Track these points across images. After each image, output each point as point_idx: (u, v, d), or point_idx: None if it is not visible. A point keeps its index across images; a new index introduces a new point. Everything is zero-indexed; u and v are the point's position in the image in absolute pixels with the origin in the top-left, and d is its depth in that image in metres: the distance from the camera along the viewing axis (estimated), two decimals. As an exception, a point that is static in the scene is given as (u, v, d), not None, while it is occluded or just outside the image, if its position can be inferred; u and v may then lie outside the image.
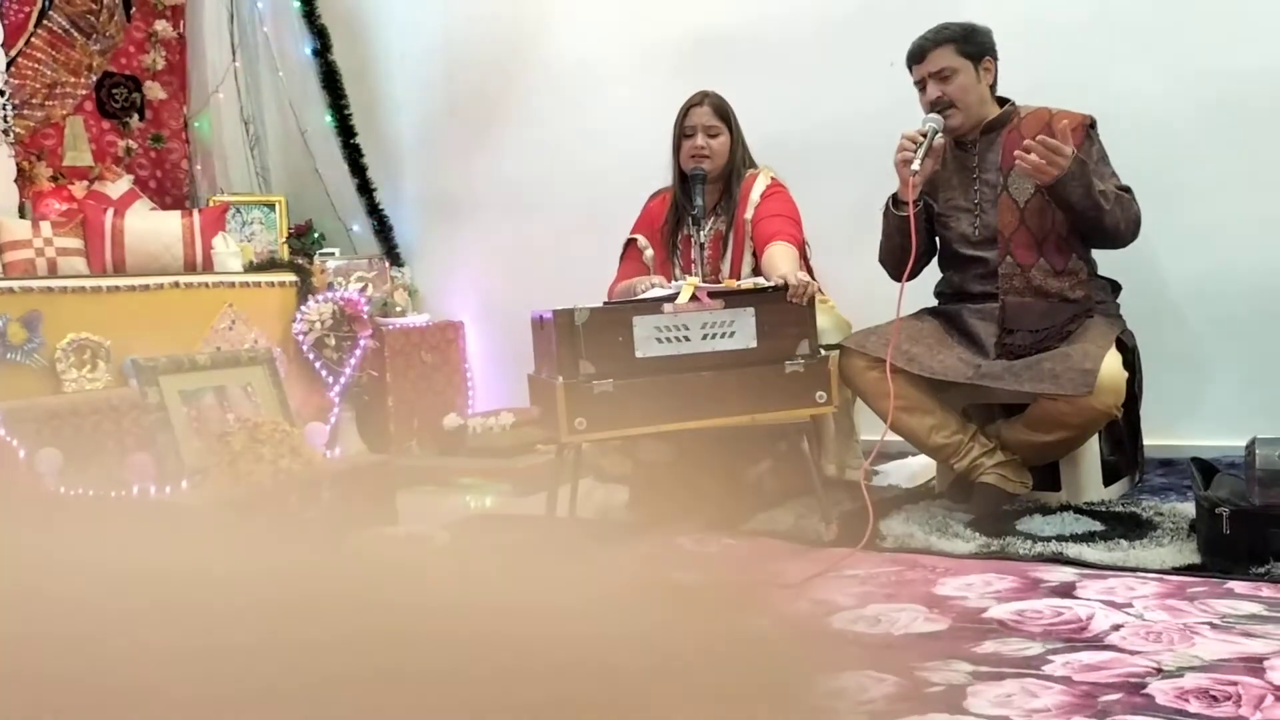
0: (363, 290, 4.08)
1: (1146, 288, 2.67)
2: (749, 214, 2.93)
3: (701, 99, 2.99)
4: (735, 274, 2.91)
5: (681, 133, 3.00)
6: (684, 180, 2.98)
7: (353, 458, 3.29)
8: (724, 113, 2.98)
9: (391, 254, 4.55)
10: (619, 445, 2.85)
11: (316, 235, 4.58)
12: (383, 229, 4.58)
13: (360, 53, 4.62)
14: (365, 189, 4.57)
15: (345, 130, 4.55)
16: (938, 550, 2.32)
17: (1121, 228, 2.58)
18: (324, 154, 4.61)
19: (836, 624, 1.90)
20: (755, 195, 2.95)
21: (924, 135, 2.61)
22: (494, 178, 4.36)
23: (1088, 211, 2.52)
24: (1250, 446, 2.06)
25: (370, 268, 4.31)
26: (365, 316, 3.90)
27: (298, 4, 4.57)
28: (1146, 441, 2.82)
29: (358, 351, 3.88)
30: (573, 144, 4.13)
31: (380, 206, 4.58)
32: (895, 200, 2.72)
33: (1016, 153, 2.51)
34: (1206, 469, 2.34)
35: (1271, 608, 1.82)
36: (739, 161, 3.00)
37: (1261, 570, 1.98)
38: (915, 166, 2.58)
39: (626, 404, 2.42)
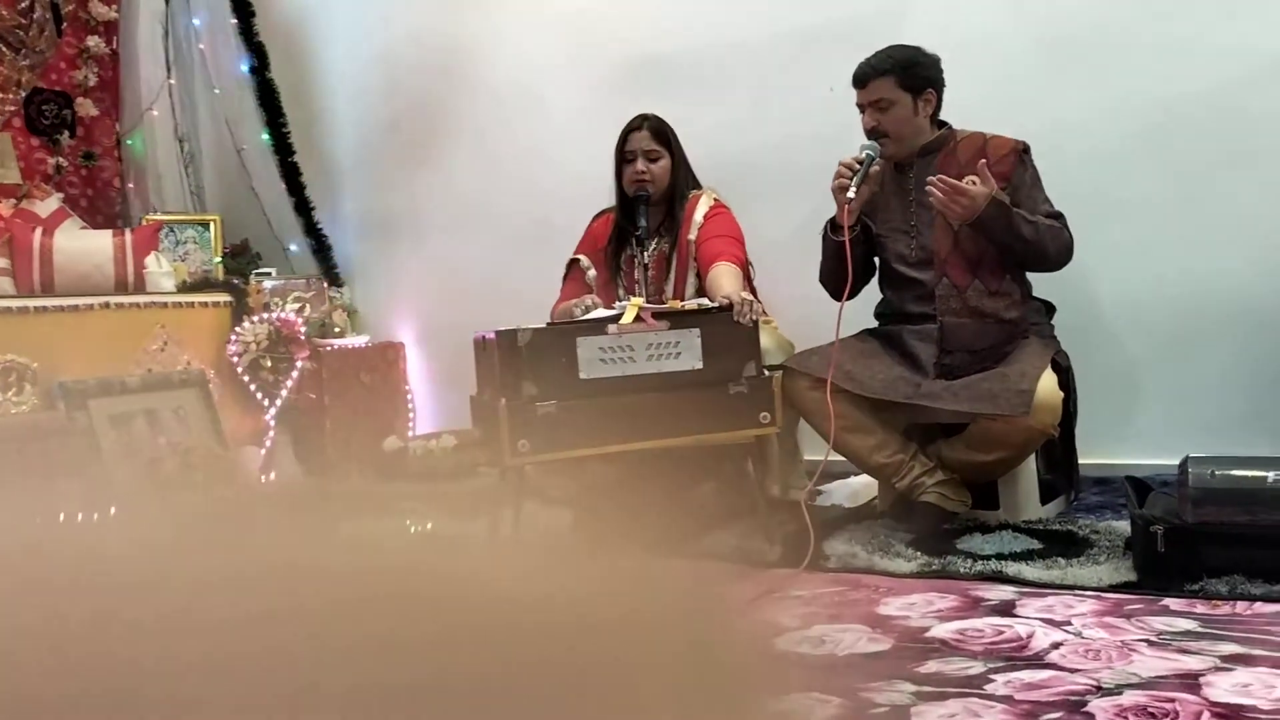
0: (300, 311, 4.02)
1: (1080, 309, 2.73)
2: (693, 235, 2.94)
3: (641, 123, 3.00)
4: (679, 295, 2.92)
5: (622, 157, 3.01)
6: (626, 202, 2.99)
7: (288, 482, 3.22)
8: (664, 136, 2.99)
9: (330, 274, 4.49)
10: (563, 467, 2.83)
11: (252, 255, 4.50)
12: (321, 248, 4.51)
13: (299, 70, 4.57)
14: (303, 208, 4.50)
15: (283, 148, 4.48)
16: (880, 570, 2.33)
17: (1050, 256, 2.62)
18: (261, 172, 4.53)
19: (781, 645, 1.90)
20: (699, 216, 2.96)
21: (860, 162, 2.64)
22: (435, 197, 4.33)
23: (1012, 245, 2.57)
24: (1183, 465, 2.10)
25: (308, 288, 4.24)
26: (302, 337, 3.84)
27: (235, 21, 4.51)
28: (1081, 460, 2.87)
29: (294, 373, 3.81)
30: (515, 162, 4.12)
31: (318, 225, 4.52)
32: (833, 225, 2.74)
33: (927, 187, 2.54)
34: (1140, 487, 2.38)
35: (1206, 624, 1.85)
36: (681, 183, 3.01)
37: (1195, 587, 2.02)
38: (851, 194, 2.61)
39: (570, 425, 2.40)
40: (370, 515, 3.42)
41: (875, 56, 2.73)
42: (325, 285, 4.34)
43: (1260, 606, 1.91)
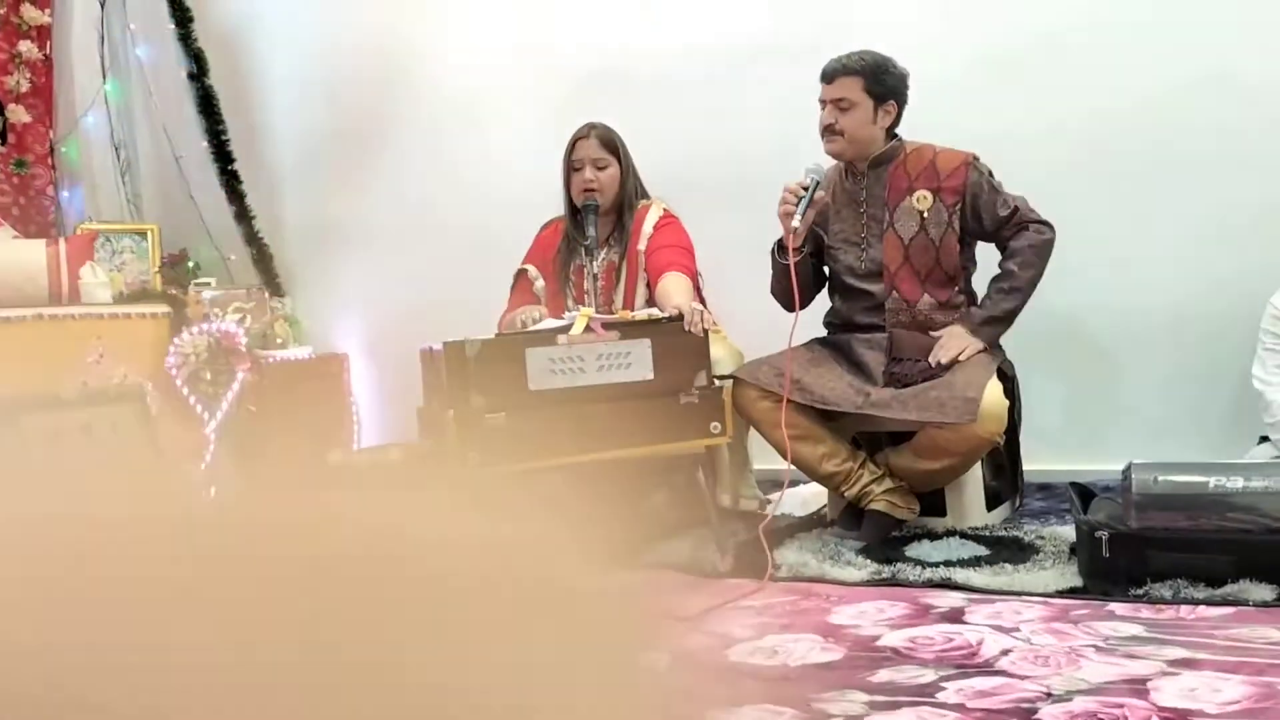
0: (240, 322, 3.94)
1: (1023, 319, 2.77)
2: (642, 245, 2.94)
3: (588, 131, 2.99)
4: (629, 305, 2.91)
5: (570, 166, 2.99)
6: (575, 212, 2.98)
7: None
8: (611, 144, 2.98)
9: (271, 284, 4.41)
10: (513, 479, 2.80)
11: (191, 264, 4.41)
12: (262, 258, 4.43)
13: (239, 76, 4.49)
14: (243, 216, 4.42)
15: (222, 156, 4.40)
16: (831, 578, 2.34)
17: (1043, 269, 2.70)
18: (200, 180, 4.44)
19: (734, 657, 1.89)
20: (648, 227, 2.96)
21: (805, 188, 2.65)
22: (380, 206, 4.27)
23: (1021, 307, 2.69)
24: (1126, 471, 2.13)
25: (249, 298, 4.16)
26: (243, 349, 3.76)
27: (173, 26, 4.41)
28: (1025, 467, 2.91)
29: (235, 386, 3.74)
30: (463, 171, 4.08)
31: (259, 234, 4.44)
32: (780, 247, 2.76)
33: (939, 356, 2.60)
34: (1084, 493, 2.42)
35: (1151, 628, 1.88)
36: (630, 192, 3.00)
37: (1140, 592, 2.05)
38: (795, 222, 2.62)
39: (520, 437, 2.38)
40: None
41: (848, 56, 2.74)
42: (266, 295, 4.26)
43: (1204, 610, 1.94)
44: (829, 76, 2.74)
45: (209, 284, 4.23)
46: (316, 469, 3.76)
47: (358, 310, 4.38)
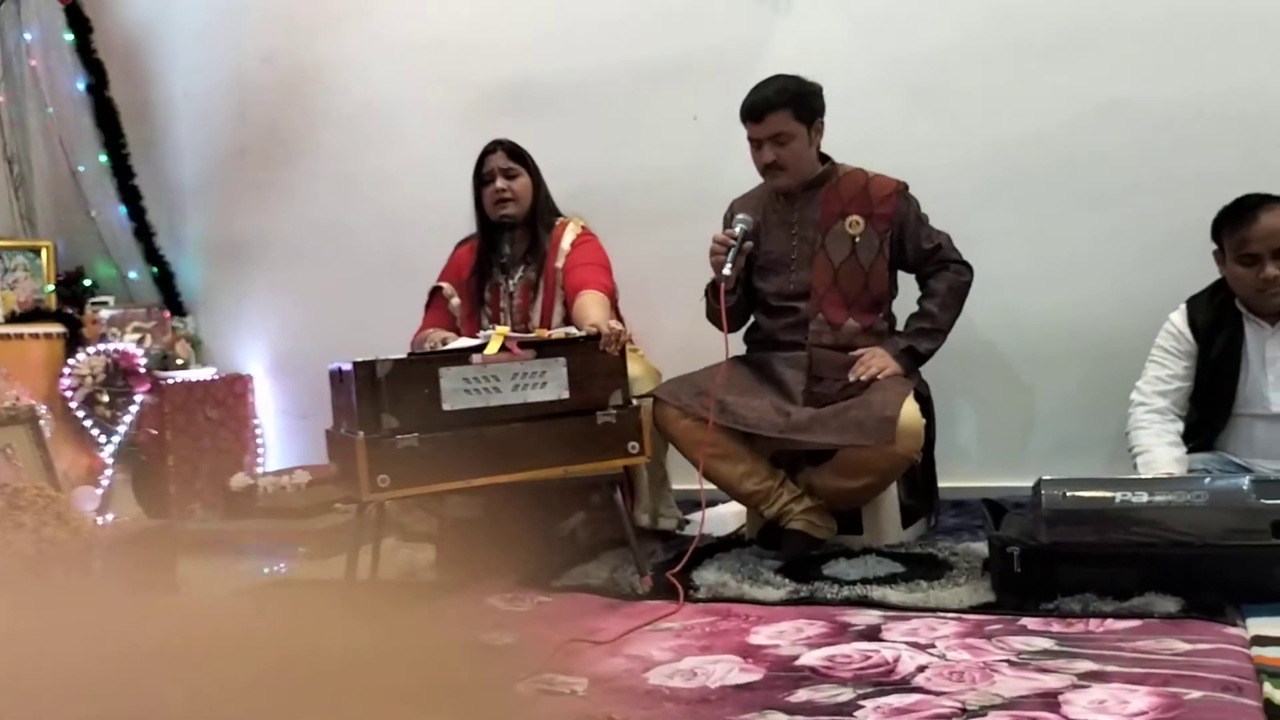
0: (140, 342, 3.81)
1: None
2: (560, 262, 2.91)
3: (495, 146, 2.97)
4: (545, 323, 2.88)
5: (480, 180, 2.96)
6: (488, 230, 2.94)
7: (128, 523, 3.03)
8: (520, 155, 2.97)
9: (173, 303, 4.27)
10: (424, 502, 2.74)
11: (88, 283, 4.25)
12: (163, 276, 4.29)
13: (140, 90, 4.35)
14: (144, 233, 4.28)
15: (122, 171, 4.25)
16: (750, 598, 2.33)
17: (960, 310, 2.80)
18: (98, 196, 4.29)
19: (653, 679, 1.86)
20: (565, 244, 2.93)
21: (735, 238, 2.65)
22: (288, 222, 4.17)
23: (938, 348, 2.76)
24: (1037, 487, 2.17)
25: (149, 317, 4.02)
26: (142, 370, 3.63)
27: (70, 37, 4.27)
28: (940, 484, 2.95)
29: (134, 408, 3.60)
30: (373, 189, 4.01)
31: (160, 252, 4.30)
32: (713, 288, 2.76)
33: (856, 372, 2.64)
34: (996, 509, 2.45)
35: (1061, 642, 1.90)
36: (544, 206, 2.98)
37: (1051, 606, 2.08)
38: (726, 272, 2.63)
39: (433, 459, 2.32)
40: (214, 556, 3.25)
41: (768, 89, 2.72)
42: (167, 315, 4.12)
43: (1111, 623, 1.98)
44: (758, 115, 2.70)
45: (107, 303, 4.08)
46: (218, 494, 3.64)
47: (264, 330, 4.26)
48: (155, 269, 4.29)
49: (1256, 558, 2.00)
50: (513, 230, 2.90)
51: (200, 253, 4.37)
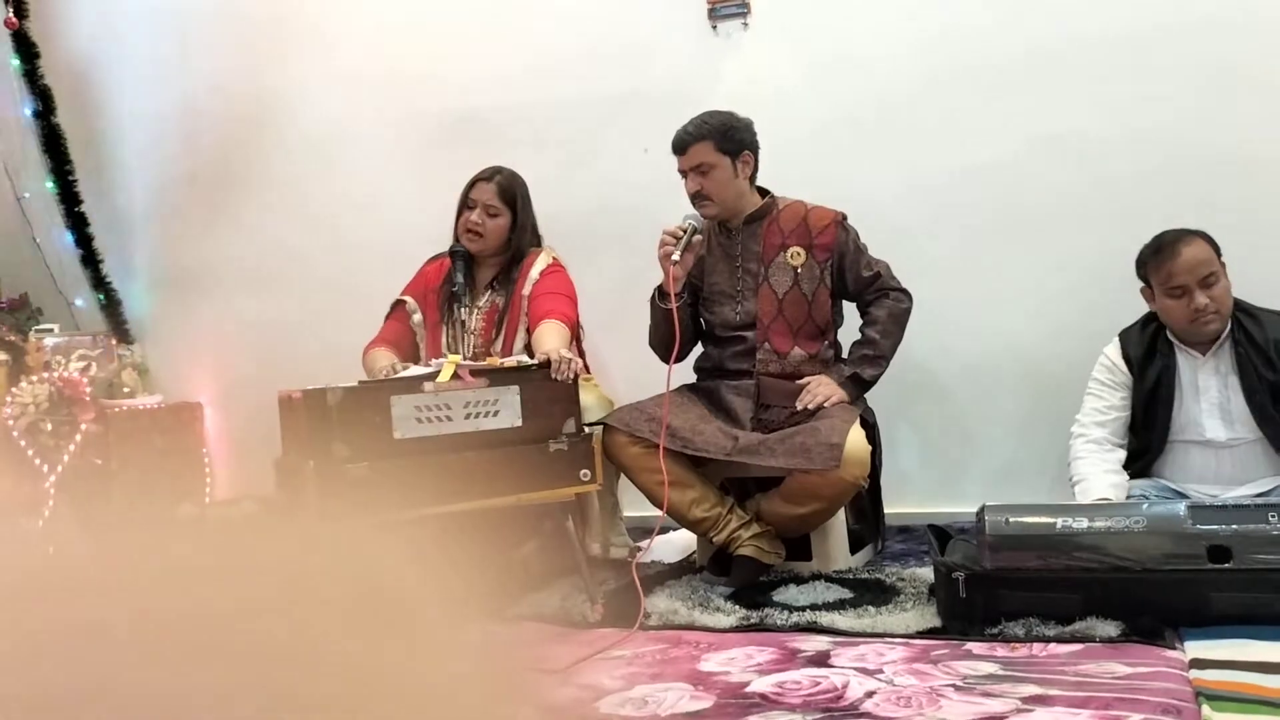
0: (85, 370, 3.75)
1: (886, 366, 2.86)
2: (526, 290, 2.92)
3: (492, 175, 2.97)
4: (508, 350, 2.88)
5: (464, 203, 2.96)
6: (461, 251, 2.94)
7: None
8: (510, 195, 2.95)
9: (119, 330, 4.21)
10: (376, 531, 2.72)
11: (33, 310, 4.18)
12: (110, 303, 4.24)
13: (88, 116, 4.31)
14: (90, 260, 4.22)
15: (69, 197, 4.20)
16: (701, 625, 2.34)
17: (901, 337, 2.85)
18: (44, 222, 4.23)
19: (604, 708, 1.87)
20: (534, 273, 2.94)
21: (684, 230, 2.70)
22: (238, 249, 4.14)
23: (881, 374, 2.82)
24: (980, 513, 2.21)
25: (94, 345, 3.96)
26: (87, 398, 3.58)
27: (16, 62, 4.21)
28: (886, 510, 2.99)
29: (78, 437, 3.54)
30: (324, 216, 3.99)
31: (107, 279, 4.25)
32: (660, 292, 2.79)
33: (803, 400, 2.70)
34: (941, 535, 2.49)
35: (1006, 667, 1.94)
36: (521, 245, 2.98)
37: (995, 630, 2.11)
38: (675, 258, 2.67)
39: (384, 487, 2.31)
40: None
41: (692, 123, 2.81)
42: (114, 342, 4.07)
43: (1054, 647, 2.01)
44: (680, 148, 2.80)
45: (52, 330, 4.01)
46: (164, 523, 3.58)
47: (213, 358, 4.22)
48: (102, 296, 4.23)
49: (1193, 582, 2.05)
50: (467, 261, 2.91)
51: (148, 280, 4.32)
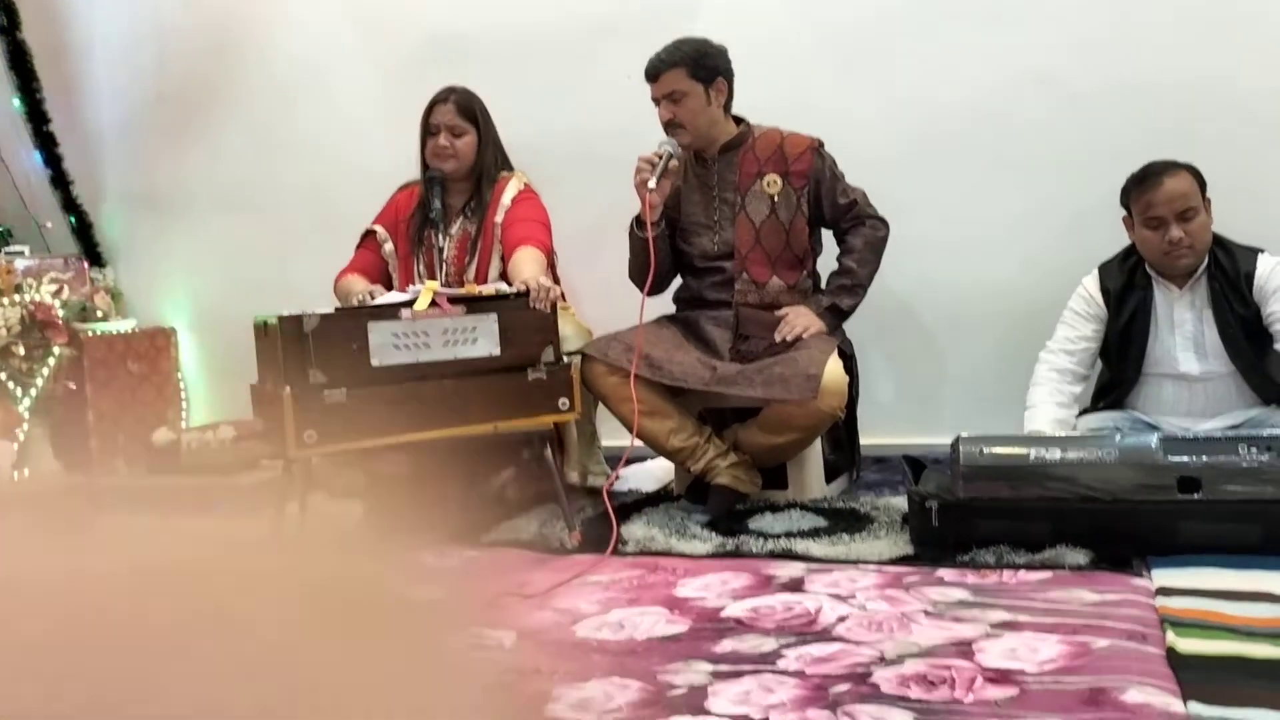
0: (57, 293, 3.70)
1: (865, 299, 2.85)
2: (499, 217, 2.89)
3: (447, 95, 2.91)
4: (481, 278, 2.86)
5: (426, 129, 2.91)
6: (430, 179, 2.89)
7: (46, 479, 2.96)
8: (470, 111, 2.91)
9: (91, 253, 4.15)
10: (352, 459, 2.72)
11: (2, 231, 4.11)
12: (81, 226, 4.17)
13: (57, 32, 4.19)
14: (60, 181, 4.14)
15: (37, 116, 4.10)
16: (677, 552, 2.37)
17: (878, 264, 2.84)
18: (11, 142, 4.14)
19: (581, 632, 1.89)
20: (506, 199, 2.91)
21: (660, 157, 2.67)
22: (212, 172, 4.07)
23: (859, 303, 2.82)
24: (955, 444, 2.23)
25: (66, 268, 3.91)
26: (60, 322, 3.54)
27: (-21, -26, 4.09)
28: (862, 441, 3.01)
29: (51, 361, 3.51)
30: (300, 139, 3.92)
31: (78, 201, 4.17)
32: (638, 221, 2.77)
33: (781, 331, 2.69)
34: (916, 465, 2.52)
35: (976, 593, 1.97)
36: (489, 163, 2.93)
37: (966, 558, 2.15)
38: (651, 184, 2.64)
39: (361, 414, 2.31)
40: (137, 512, 3.20)
41: (664, 50, 2.78)
42: (86, 266, 4.01)
43: (1024, 574, 2.05)
44: (653, 75, 2.77)
45: (22, 253, 3.95)
46: (141, 449, 3.57)
47: (186, 282, 4.17)
48: (73, 218, 4.16)
49: (1163, 512, 2.08)
50: (443, 185, 2.86)
51: (120, 202, 4.25)
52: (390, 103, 3.68)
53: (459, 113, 2.88)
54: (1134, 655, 1.61)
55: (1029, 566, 2.08)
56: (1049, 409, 2.55)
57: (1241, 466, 2.06)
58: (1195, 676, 1.50)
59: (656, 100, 2.79)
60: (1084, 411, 2.70)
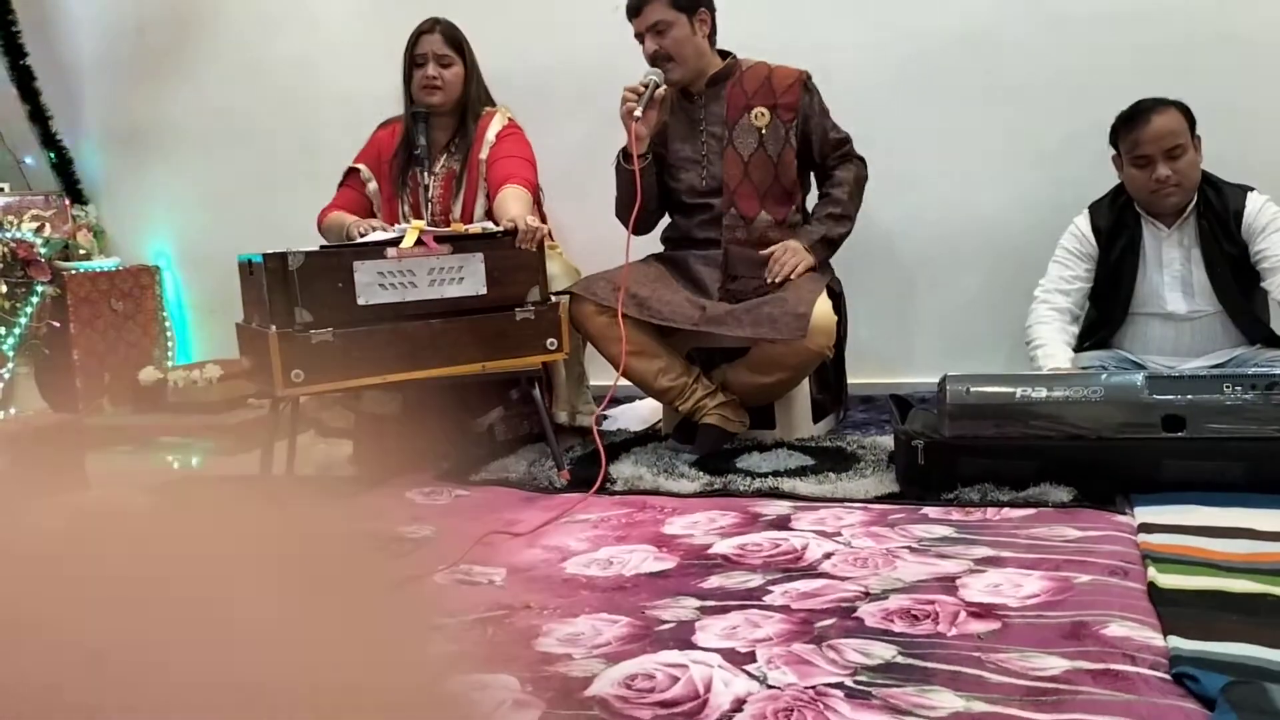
0: (39, 231, 3.65)
1: (851, 238, 2.84)
2: (484, 154, 2.85)
3: (432, 25, 2.86)
4: (467, 217, 2.83)
5: (412, 61, 2.86)
6: (415, 113, 2.85)
7: (31, 418, 2.95)
8: (456, 41, 2.86)
9: (73, 190, 4.10)
10: (340, 397, 2.72)
11: (-21, 168, 4.05)
12: (61, 162, 4.11)
13: (29, -38, 4.09)
14: (39, 116, 4.07)
15: (13, 50, 4.02)
16: (665, 490, 2.38)
17: (861, 203, 2.82)
18: (-13, 76, 4.07)
19: (570, 569, 1.91)
20: (491, 135, 2.87)
21: (645, 86, 2.65)
22: (194, 106, 4.01)
23: (848, 234, 2.78)
24: (941, 383, 2.23)
25: (47, 205, 3.86)
26: (42, 260, 3.50)
27: (-53, -101, 3.97)
28: (849, 380, 3.02)
29: (34, 299, 3.48)
30: (283, 72, 3.86)
31: (58, 136, 4.10)
32: (624, 154, 2.74)
33: (772, 271, 2.65)
34: (903, 404, 2.53)
35: (960, 530, 1.99)
36: (474, 96, 2.89)
37: (951, 496, 2.17)
38: (637, 113, 2.62)
39: (348, 354, 2.30)
40: (125, 451, 3.20)
41: None
42: (67, 203, 3.96)
43: (1007, 512, 2.07)
44: (635, 9, 2.74)
45: (2, 190, 3.90)
46: (127, 388, 3.56)
47: (170, 219, 4.13)
48: (53, 154, 4.10)
49: (1147, 450, 2.09)
50: (429, 121, 2.82)
51: (101, 138, 4.18)
52: (374, 32, 3.62)
53: (446, 42, 2.84)
54: (1115, 590, 1.63)
55: (1013, 504, 2.10)
56: (1062, 348, 2.54)
57: (1225, 405, 2.07)
58: (1175, 611, 1.52)
59: (640, 36, 2.75)
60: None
